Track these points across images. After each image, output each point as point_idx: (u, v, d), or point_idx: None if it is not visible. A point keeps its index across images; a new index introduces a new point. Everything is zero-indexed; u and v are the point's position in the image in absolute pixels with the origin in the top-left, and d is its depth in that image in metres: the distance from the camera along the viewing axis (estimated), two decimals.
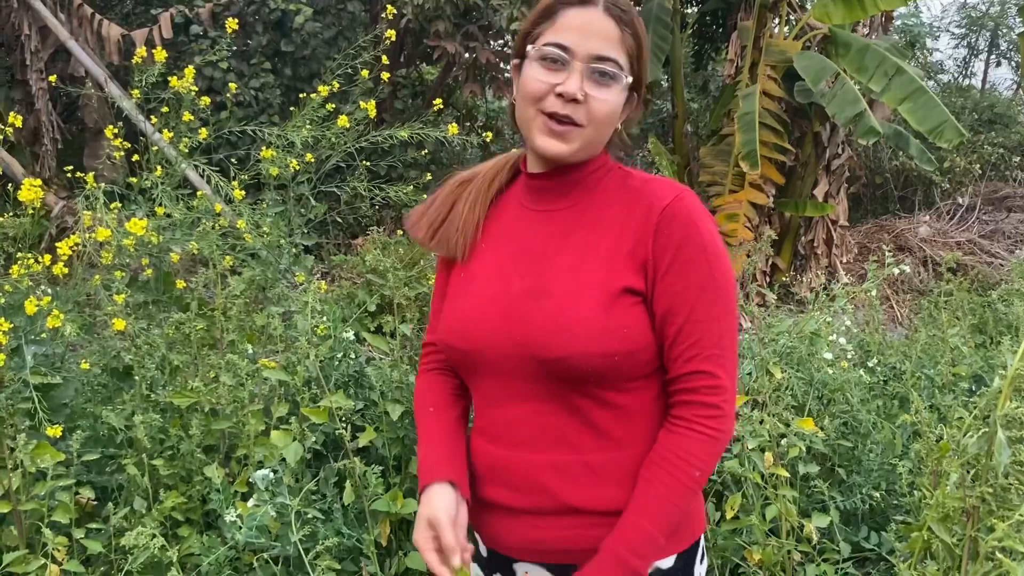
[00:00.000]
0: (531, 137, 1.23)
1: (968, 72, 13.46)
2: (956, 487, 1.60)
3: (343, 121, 2.87)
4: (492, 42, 7.67)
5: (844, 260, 7.57)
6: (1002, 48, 13.27)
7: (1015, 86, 12.41)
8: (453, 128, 2.94)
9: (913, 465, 2.25)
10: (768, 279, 7.34)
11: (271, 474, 2.00)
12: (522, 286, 1.24)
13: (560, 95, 1.18)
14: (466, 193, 1.35)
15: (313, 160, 3.06)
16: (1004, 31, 13.05)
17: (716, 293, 1.20)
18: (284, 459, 2.12)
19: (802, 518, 2.21)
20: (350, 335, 2.56)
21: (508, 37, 7.55)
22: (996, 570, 1.60)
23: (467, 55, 6.94)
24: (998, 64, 13.66)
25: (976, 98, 11.32)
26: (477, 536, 1.36)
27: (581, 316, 1.17)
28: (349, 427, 2.18)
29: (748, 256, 6.26)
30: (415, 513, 2.20)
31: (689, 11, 9.45)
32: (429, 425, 1.37)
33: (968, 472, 1.66)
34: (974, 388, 3.20)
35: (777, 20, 7.36)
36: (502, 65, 7.98)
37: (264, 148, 2.99)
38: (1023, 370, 1.52)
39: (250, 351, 2.58)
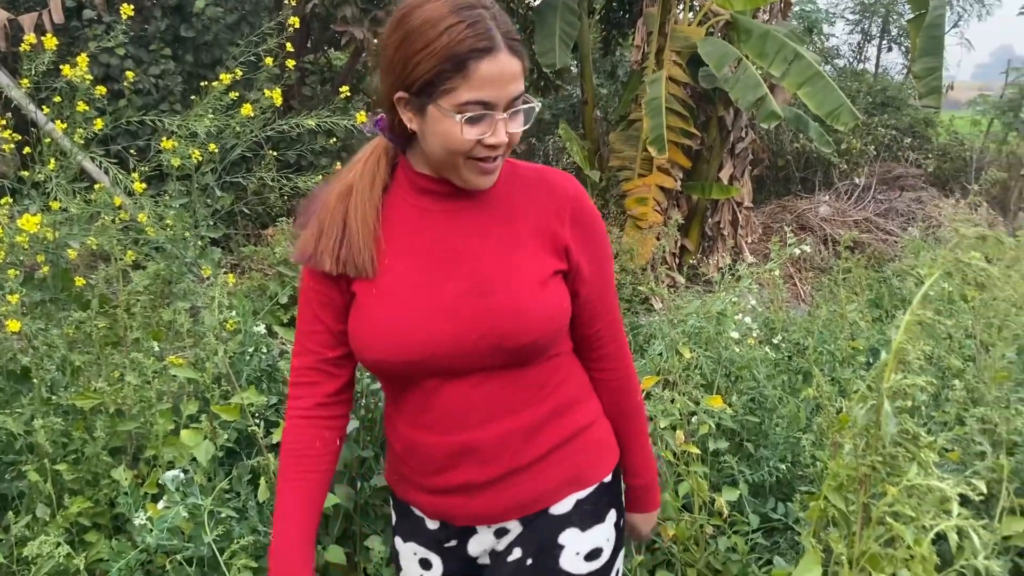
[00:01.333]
0: (458, 175, 1.28)
1: (862, 57, 14.02)
2: (849, 457, 1.68)
3: (247, 110, 2.80)
4: None
5: (749, 241, 7.81)
6: (893, 34, 13.86)
7: (905, 70, 12.97)
8: (361, 116, 2.90)
9: (815, 437, 2.35)
10: (678, 261, 7.52)
11: (181, 474, 1.96)
12: (459, 288, 1.29)
13: (488, 145, 1.23)
14: (352, 207, 1.31)
15: (217, 150, 2.98)
16: (895, 17, 13.63)
17: (610, 262, 1.46)
18: (195, 459, 2.07)
19: (713, 492, 2.29)
20: (261, 329, 2.51)
21: None
22: (887, 534, 1.69)
23: (376, 41, 6.84)
24: (889, 49, 14.27)
25: (870, 82, 11.80)
26: (419, 512, 1.46)
27: (533, 301, 1.31)
28: (263, 423, 2.14)
29: (658, 239, 6.40)
30: (335, 507, 2.19)
31: None
32: (299, 506, 1.38)
33: (860, 442, 1.75)
34: (871, 361, 3.35)
35: (681, 6, 7.50)
36: None
37: (165, 138, 2.90)
38: (907, 343, 1.61)
39: (156, 349, 2.50)
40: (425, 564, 1.50)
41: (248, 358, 2.54)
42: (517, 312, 1.29)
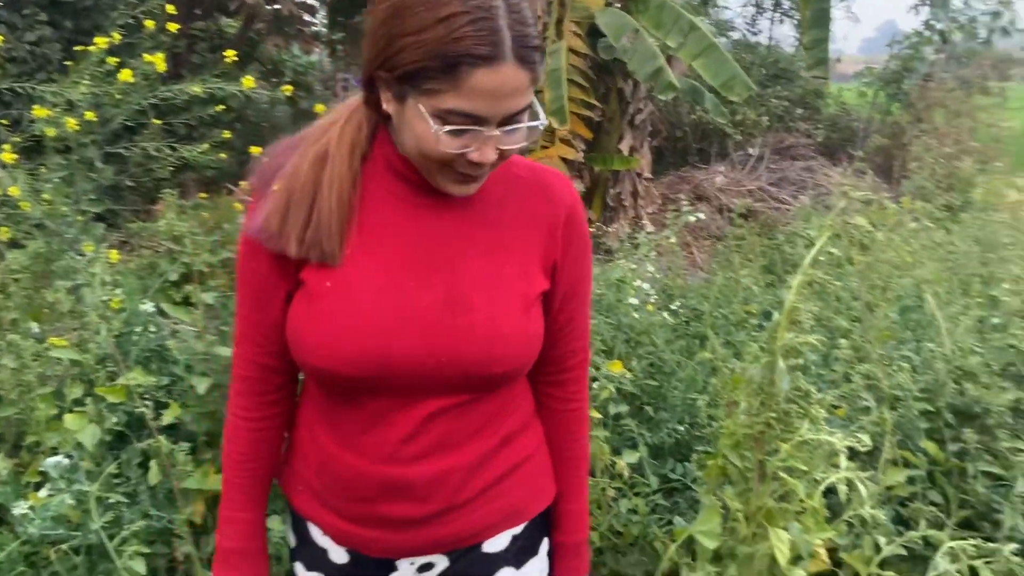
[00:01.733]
0: (432, 179, 1.09)
1: (755, 29, 14.38)
2: (745, 416, 1.73)
3: (126, 75, 2.65)
4: None
5: (649, 211, 7.95)
6: (784, 7, 14.26)
7: (797, 43, 13.38)
8: (248, 81, 2.79)
9: (711, 399, 2.41)
10: None
11: (65, 460, 1.87)
12: (434, 298, 1.11)
13: (470, 161, 1.04)
14: (328, 180, 1.09)
15: (97, 119, 2.82)
16: None
17: (590, 280, 1.29)
18: (81, 444, 1.98)
19: (614, 456, 2.33)
20: (149, 307, 2.40)
21: None
22: (782, 488, 1.76)
23: (268, 6, 6.61)
24: (781, 22, 14.68)
25: (763, 54, 12.14)
26: (327, 542, 1.25)
27: (512, 329, 1.14)
28: (152, 404, 2.06)
29: None
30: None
31: None
32: (245, 515, 1.26)
33: (755, 401, 1.80)
34: (763, 324, 3.47)
35: None
36: (307, 18, 7.68)
37: (37, 107, 2.72)
38: (798, 303, 1.67)
39: (36, 330, 2.37)
40: None
41: (136, 338, 2.44)
42: (493, 338, 1.12)
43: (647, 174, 8.07)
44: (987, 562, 1.49)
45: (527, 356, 1.18)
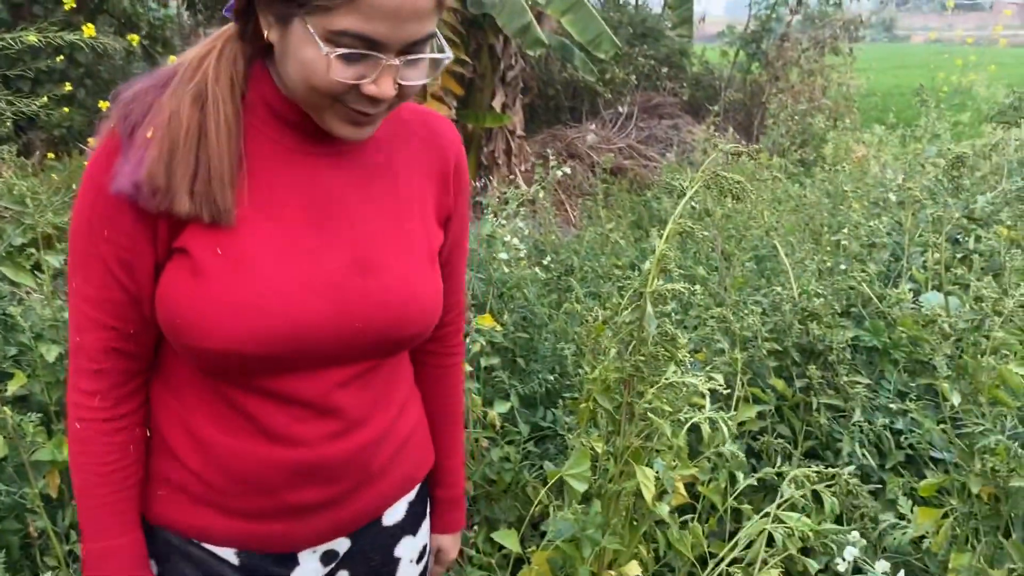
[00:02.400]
0: (320, 119, 0.96)
1: None
2: (614, 360, 1.79)
3: None
4: None
5: (523, 169, 8.01)
6: None
7: (663, 3, 13.65)
8: (89, 29, 2.62)
9: (577, 347, 2.48)
10: None
11: None
12: (340, 259, 1.00)
13: (366, 96, 0.92)
14: (212, 120, 0.94)
15: None
16: None
17: (468, 228, 1.25)
18: None
19: (486, 407, 2.36)
20: None
21: None
22: (648, 428, 1.83)
23: None
24: None
25: (631, 14, 12.32)
26: (207, 545, 1.09)
27: (424, 287, 1.08)
28: None
29: None
30: None
31: None
32: (125, 539, 1.07)
33: (624, 346, 1.87)
34: (630, 275, 3.59)
35: None
36: None
37: None
38: (668, 251, 1.73)
39: None
40: None
41: None
42: (408, 299, 1.05)
43: (520, 132, 8.12)
44: (828, 486, 1.60)
45: (437, 315, 1.11)
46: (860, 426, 2.10)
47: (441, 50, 0.96)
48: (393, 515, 1.21)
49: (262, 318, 0.96)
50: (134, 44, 3.36)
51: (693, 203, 4.32)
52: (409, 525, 1.24)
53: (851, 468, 1.75)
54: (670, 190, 5.62)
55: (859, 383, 2.15)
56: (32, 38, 2.61)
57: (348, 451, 1.07)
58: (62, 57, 3.37)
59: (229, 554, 1.09)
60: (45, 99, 2.71)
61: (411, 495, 1.24)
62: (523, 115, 8.32)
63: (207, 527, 1.08)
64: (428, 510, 1.32)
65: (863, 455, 2.10)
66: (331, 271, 1.00)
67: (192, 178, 0.93)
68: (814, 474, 1.64)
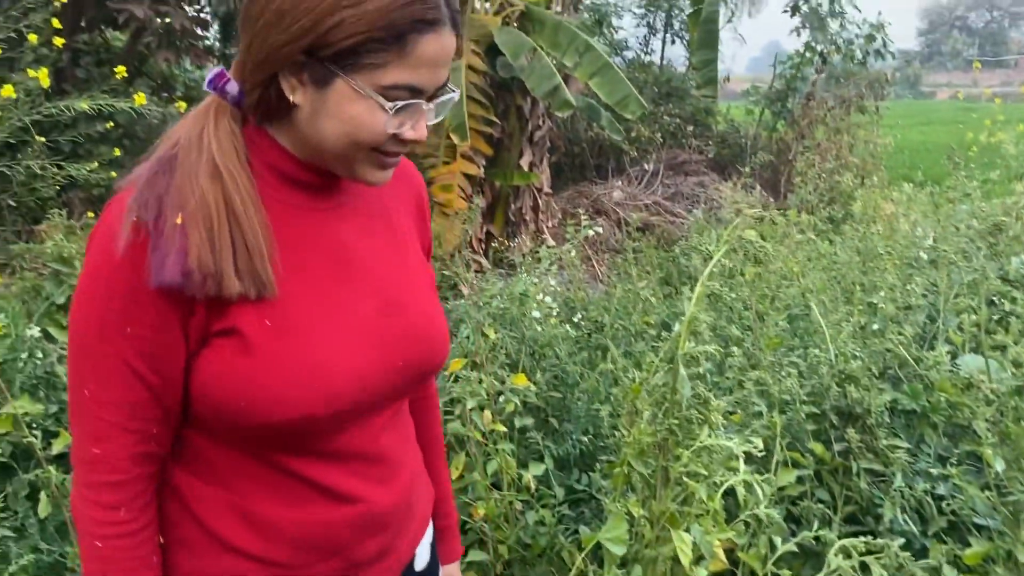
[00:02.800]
0: (347, 168, 0.99)
1: (648, 49, 14.81)
2: (648, 423, 1.79)
3: (7, 91, 2.54)
4: (187, 6, 7.16)
5: (550, 225, 8.08)
6: (676, 28, 14.74)
7: (687, 63, 13.86)
8: (140, 98, 2.72)
9: (613, 408, 2.47)
10: (484, 246, 7.65)
11: None
12: (370, 307, 1.02)
13: (403, 140, 0.96)
14: (235, 195, 0.93)
15: None
16: (677, 12, 14.50)
17: None
18: None
19: (521, 469, 2.36)
20: (35, 332, 2.30)
21: (204, 2, 7.09)
22: (684, 492, 1.82)
23: (158, 20, 6.41)
24: (673, 42, 15.17)
25: (656, 73, 12.51)
26: None
27: (439, 319, 1.12)
28: (41, 433, 1.97)
29: (463, 224, 6.48)
30: None
31: None
32: None
33: (658, 409, 1.87)
34: (662, 334, 3.58)
35: None
36: (199, 31, 7.48)
37: None
38: (698, 314, 1.74)
39: None
40: None
41: (22, 365, 2.33)
42: (432, 330, 1.09)
43: (547, 189, 8.20)
44: (877, 557, 1.58)
45: (448, 344, 1.14)
46: (901, 491, 2.07)
47: (451, 90, 1.00)
48: (421, 560, 1.22)
49: (326, 379, 0.96)
50: (182, 110, 3.45)
51: (723, 262, 4.32)
52: (435, 567, 1.27)
53: (900, 541, 1.72)
54: (700, 244, 5.64)
55: (899, 447, 2.12)
56: (84, 105, 2.71)
57: (396, 495, 1.09)
58: (112, 124, 3.47)
59: None
60: (96, 164, 2.80)
61: (429, 535, 1.25)
62: (550, 172, 8.42)
63: None
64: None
65: (905, 521, 2.06)
66: (366, 318, 1.01)
67: (234, 256, 0.91)
68: (862, 543, 1.62)
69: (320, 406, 0.96)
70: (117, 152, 2.95)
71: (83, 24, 7.40)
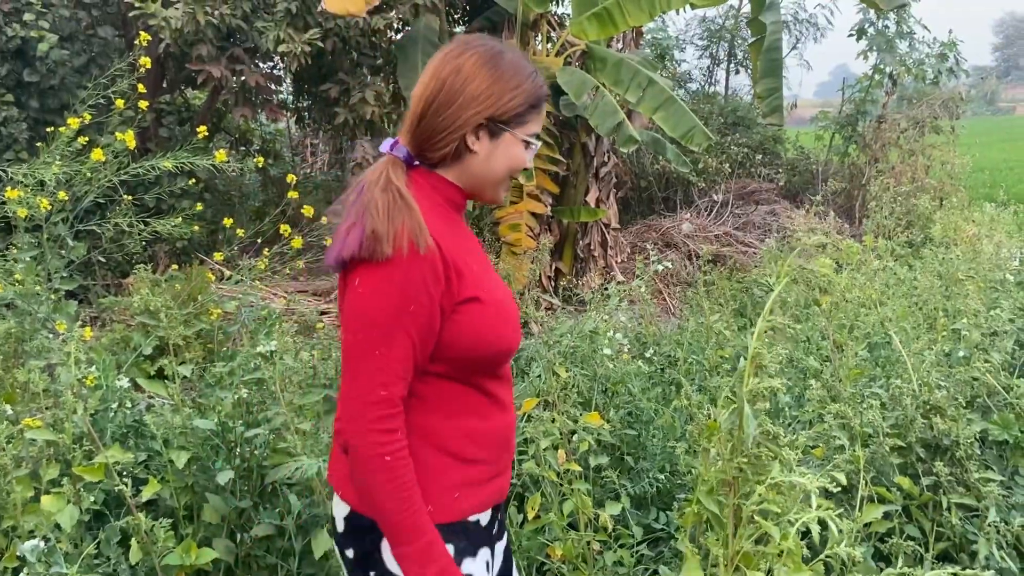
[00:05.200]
0: (496, 192, 1.51)
1: (712, 80, 14.74)
2: (718, 461, 1.76)
3: (97, 154, 2.69)
4: (260, 64, 7.46)
5: (619, 260, 8.05)
6: (739, 57, 14.66)
7: (752, 91, 13.77)
8: (221, 155, 2.83)
9: (688, 445, 2.44)
10: (553, 284, 7.66)
11: (42, 544, 1.84)
12: (500, 280, 1.56)
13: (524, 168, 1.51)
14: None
15: (68, 198, 2.84)
16: (740, 42, 14.43)
17: None
18: (58, 525, 1.96)
19: (597, 508, 2.34)
20: (124, 383, 2.40)
21: (276, 59, 7.37)
22: (758, 531, 1.78)
23: (234, 78, 6.69)
24: (737, 72, 15.07)
25: (721, 104, 12.43)
26: (473, 518, 1.48)
27: None
28: (130, 481, 2.05)
29: (532, 263, 6.51)
30: (213, 562, 2.11)
31: (457, 31, 9.68)
32: (430, 525, 1.38)
33: (726, 446, 1.83)
34: (737, 368, 3.52)
35: (539, 37, 7.71)
36: (272, 87, 7.77)
37: (9, 188, 2.74)
38: (761, 349, 1.71)
39: (10, 412, 2.35)
40: (488, 567, 1.52)
41: (112, 414, 2.43)
42: None
43: (615, 224, 8.19)
44: None
45: None
46: (996, 526, 1.98)
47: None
48: None
49: (515, 322, 1.50)
50: (260, 165, 3.59)
51: (795, 293, 4.21)
52: None
53: (990, 573, 1.65)
54: (764, 276, 5.54)
55: (992, 480, 2.04)
56: (168, 164, 2.84)
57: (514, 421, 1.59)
58: (194, 180, 3.63)
59: (484, 517, 1.50)
60: (180, 219, 2.93)
61: None
62: (617, 208, 8.41)
63: (484, 499, 1.49)
64: None
65: (1002, 557, 1.97)
66: (503, 288, 1.53)
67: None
68: (949, 575, 1.56)
69: (517, 339, 1.50)
70: (199, 207, 3.09)
71: (165, 85, 7.77)
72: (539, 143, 1.51)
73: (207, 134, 3.37)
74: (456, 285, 1.39)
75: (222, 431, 2.33)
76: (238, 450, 2.33)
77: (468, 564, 1.46)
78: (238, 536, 2.31)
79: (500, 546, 1.60)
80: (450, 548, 1.41)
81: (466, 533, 1.47)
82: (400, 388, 1.37)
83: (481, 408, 1.48)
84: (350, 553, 1.48)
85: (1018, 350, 2.73)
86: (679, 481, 2.63)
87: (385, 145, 1.48)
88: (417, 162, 1.47)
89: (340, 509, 1.49)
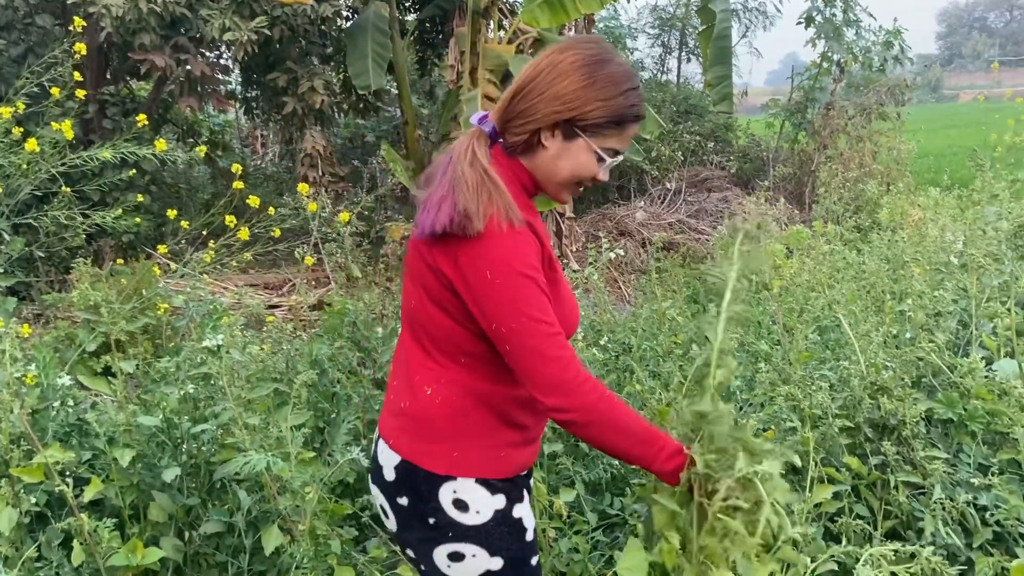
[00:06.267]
0: (558, 192, 1.52)
1: (664, 68, 14.86)
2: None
3: (31, 144, 2.59)
4: (207, 53, 7.30)
5: (574, 249, 8.06)
6: (690, 46, 14.78)
7: (704, 81, 13.87)
8: (161, 144, 2.75)
9: None
10: None
11: None
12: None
13: (595, 180, 1.51)
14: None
15: (3, 190, 2.74)
16: (691, 31, 14.54)
17: None
18: None
19: (552, 495, 2.33)
20: (65, 380, 2.33)
21: (223, 48, 7.22)
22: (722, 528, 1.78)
23: (179, 68, 6.54)
24: (688, 60, 15.20)
25: (673, 92, 12.51)
26: (516, 474, 1.56)
27: None
28: (73, 481, 1.99)
29: None
30: (161, 561, 2.06)
31: (408, 18, 9.59)
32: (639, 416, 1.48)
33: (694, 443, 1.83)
34: (690, 353, 3.54)
35: (491, 25, 7.66)
36: (220, 77, 7.62)
37: None
38: (725, 344, 1.70)
39: None
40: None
41: (53, 413, 2.35)
42: None
43: (569, 213, 8.20)
44: (907, 568, 1.54)
45: None
46: (942, 503, 2.02)
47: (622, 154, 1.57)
48: None
49: (576, 311, 1.58)
50: (201, 155, 3.50)
51: (750, 277, 4.26)
52: None
53: (932, 548, 1.68)
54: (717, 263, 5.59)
55: (937, 458, 2.07)
56: (107, 154, 2.75)
57: None
58: (134, 172, 3.53)
59: (520, 479, 1.58)
60: (120, 211, 2.84)
61: None
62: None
63: (522, 462, 1.57)
64: None
65: (947, 534, 2.01)
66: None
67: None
68: (891, 552, 1.58)
69: (576, 322, 1.58)
70: (140, 198, 3.00)
71: (109, 76, 7.57)
72: (618, 159, 1.51)
73: (151, 124, 3.28)
74: (547, 265, 1.46)
75: (168, 427, 2.27)
76: (185, 447, 2.28)
77: (519, 508, 1.56)
78: (186, 534, 2.26)
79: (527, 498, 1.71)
80: (500, 497, 1.51)
81: (514, 483, 1.56)
82: (565, 336, 1.44)
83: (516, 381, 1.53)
84: (403, 501, 1.53)
85: (961, 330, 2.79)
86: (633, 467, 2.63)
87: (475, 118, 1.53)
88: (500, 140, 1.52)
89: (390, 458, 1.54)
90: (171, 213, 3.12)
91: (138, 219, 3.20)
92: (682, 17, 14.68)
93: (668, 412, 2.27)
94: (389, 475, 1.54)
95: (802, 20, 10.82)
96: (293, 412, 2.15)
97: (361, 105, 8.61)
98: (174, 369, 2.45)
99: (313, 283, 6.76)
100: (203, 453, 2.30)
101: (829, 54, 10.73)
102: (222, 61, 7.82)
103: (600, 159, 1.47)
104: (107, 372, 2.55)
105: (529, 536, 1.58)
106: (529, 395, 1.45)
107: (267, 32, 6.40)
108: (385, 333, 3.08)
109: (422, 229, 1.43)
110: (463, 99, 7.19)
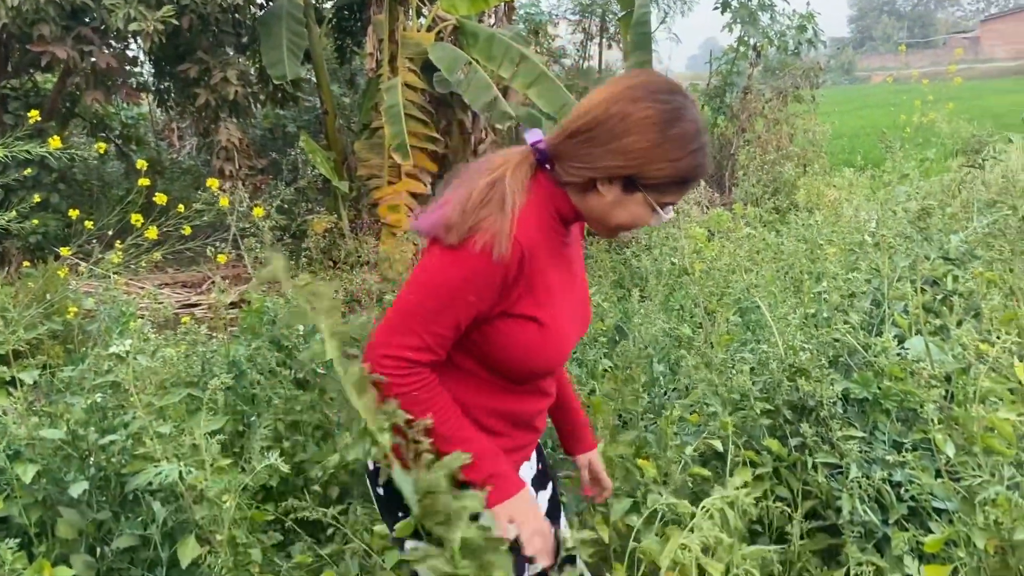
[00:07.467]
0: (608, 234, 1.52)
1: (586, 55, 14.90)
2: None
3: None
4: (113, 44, 7.00)
5: None
6: (611, 32, 14.85)
7: (625, 68, 13.94)
8: (55, 141, 2.62)
9: None
10: None
11: None
12: (578, 301, 1.58)
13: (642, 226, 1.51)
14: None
15: None
16: (611, 17, 14.61)
17: None
18: None
19: None
20: None
21: (130, 39, 6.94)
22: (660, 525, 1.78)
23: (84, 60, 6.26)
24: (610, 47, 15.27)
25: (595, 78, 12.57)
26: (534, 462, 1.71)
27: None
28: None
29: (414, 245, 6.42)
30: None
31: (326, 6, 9.39)
32: (478, 436, 1.48)
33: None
34: (616, 339, 3.56)
35: (410, 13, 7.56)
36: (128, 68, 7.33)
37: None
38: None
39: None
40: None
41: None
42: (588, 318, 1.68)
43: None
44: None
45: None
46: (858, 482, 2.06)
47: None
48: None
49: (564, 350, 1.54)
50: (101, 151, 3.35)
51: (672, 261, 4.29)
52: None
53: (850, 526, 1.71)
54: (648, 247, 5.64)
55: (853, 437, 2.12)
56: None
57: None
58: (30, 171, 3.35)
59: (524, 468, 1.67)
60: (14, 213, 2.68)
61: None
62: None
63: (522, 457, 1.64)
64: None
65: (864, 511, 2.05)
66: (575, 309, 1.56)
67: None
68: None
69: (561, 361, 1.57)
70: (38, 198, 2.84)
71: (9, 69, 7.22)
72: (671, 214, 1.48)
73: (57, 119, 3.12)
74: (515, 296, 1.42)
75: (73, 439, 2.17)
76: (93, 459, 2.18)
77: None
78: (98, 550, 2.17)
79: (544, 495, 1.73)
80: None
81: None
82: (425, 357, 1.42)
83: (498, 394, 1.54)
84: (381, 491, 1.56)
85: (875, 309, 2.86)
86: (561, 456, 2.63)
87: (531, 136, 1.50)
88: (549, 166, 1.49)
89: None
90: (73, 213, 2.98)
91: (41, 219, 3.04)
92: (602, 3, 14.74)
93: (599, 402, 2.27)
94: (371, 463, 1.59)
95: (718, 5, 10.97)
96: (208, 418, 2.07)
97: (279, 95, 8.40)
98: (79, 378, 2.34)
99: (234, 280, 6.59)
100: (113, 465, 2.21)
101: (745, 38, 10.91)
102: (130, 52, 7.52)
103: (654, 209, 1.45)
104: (13, 383, 2.41)
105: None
106: (499, 404, 1.53)
107: (175, 22, 6.18)
108: (306, 331, 3.01)
109: (415, 228, 1.46)
110: (383, 88, 7.08)
